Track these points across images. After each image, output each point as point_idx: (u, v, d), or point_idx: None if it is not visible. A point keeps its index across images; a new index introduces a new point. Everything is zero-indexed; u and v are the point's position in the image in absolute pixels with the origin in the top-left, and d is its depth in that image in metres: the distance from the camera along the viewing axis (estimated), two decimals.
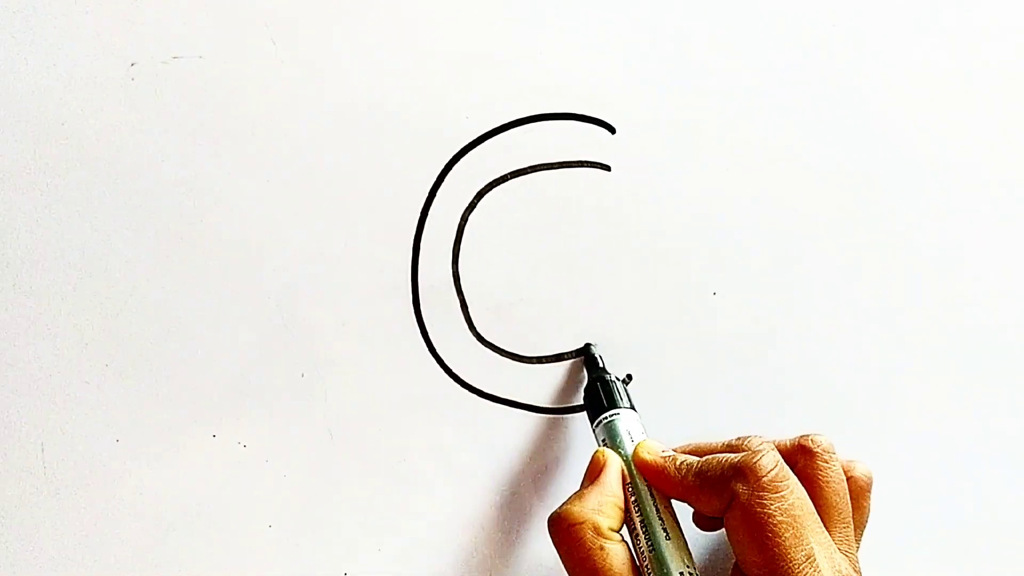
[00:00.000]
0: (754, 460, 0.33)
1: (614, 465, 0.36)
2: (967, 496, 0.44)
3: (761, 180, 0.43)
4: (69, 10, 0.39)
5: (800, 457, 0.36)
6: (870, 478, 0.38)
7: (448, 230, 0.41)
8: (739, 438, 0.37)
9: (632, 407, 0.39)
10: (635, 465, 0.36)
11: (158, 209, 0.39)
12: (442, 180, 0.41)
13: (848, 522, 0.36)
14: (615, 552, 0.34)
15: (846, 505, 0.36)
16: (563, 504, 0.35)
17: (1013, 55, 0.45)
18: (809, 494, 0.35)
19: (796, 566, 0.32)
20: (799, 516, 0.33)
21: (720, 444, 0.38)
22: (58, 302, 0.39)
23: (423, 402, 0.41)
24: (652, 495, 0.36)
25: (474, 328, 0.41)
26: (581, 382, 0.42)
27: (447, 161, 0.41)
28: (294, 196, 0.40)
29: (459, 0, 0.41)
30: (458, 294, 0.41)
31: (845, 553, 0.35)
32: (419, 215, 0.41)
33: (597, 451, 0.37)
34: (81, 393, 0.39)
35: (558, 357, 0.42)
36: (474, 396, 0.41)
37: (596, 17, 0.42)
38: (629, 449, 0.37)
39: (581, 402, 0.42)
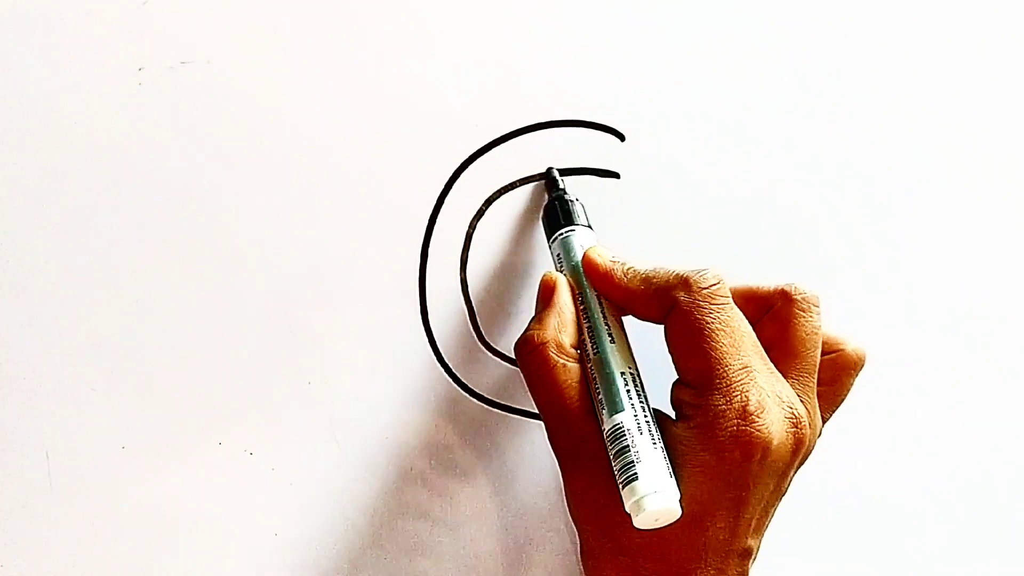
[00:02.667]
0: (698, 272, 0.34)
1: (564, 284, 0.37)
2: (967, 496, 0.44)
3: (771, 188, 0.43)
4: (77, 15, 0.39)
5: (778, 300, 0.36)
6: (861, 357, 0.38)
7: (456, 237, 0.41)
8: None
9: (589, 226, 0.39)
10: (583, 267, 0.37)
11: (165, 214, 0.39)
12: (450, 187, 0.41)
13: (809, 375, 0.36)
14: (574, 368, 0.35)
15: (812, 359, 0.36)
16: (525, 330, 0.36)
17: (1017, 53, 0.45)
18: (776, 338, 0.36)
19: (732, 372, 0.33)
20: (736, 329, 0.33)
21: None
22: (64, 308, 0.39)
23: (431, 410, 0.41)
24: (600, 303, 0.36)
25: (482, 336, 0.41)
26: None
27: (456, 168, 0.41)
28: (302, 202, 0.40)
29: (468, 7, 0.41)
30: (466, 301, 0.41)
31: (799, 395, 0.35)
32: (427, 222, 0.41)
33: (545, 274, 0.37)
34: (87, 400, 0.39)
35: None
36: (482, 404, 0.41)
37: (605, 24, 0.42)
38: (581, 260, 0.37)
39: None
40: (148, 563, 0.39)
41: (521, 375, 0.36)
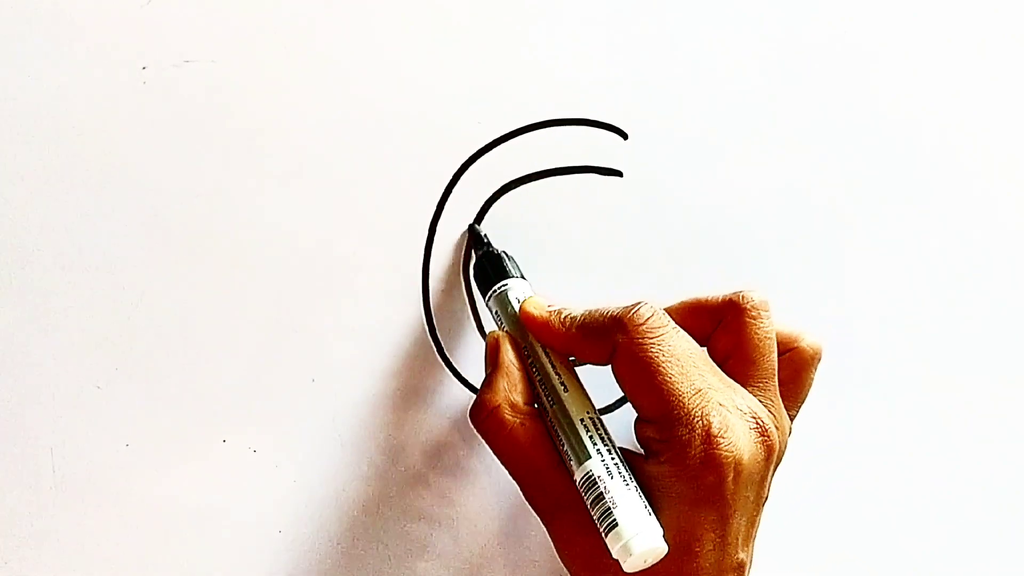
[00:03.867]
0: (631, 310, 0.34)
1: (506, 341, 0.37)
2: (967, 497, 0.44)
3: (774, 186, 0.43)
4: (80, 14, 0.39)
5: (728, 311, 0.36)
6: (817, 351, 0.38)
7: (460, 235, 0.41)
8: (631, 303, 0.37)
9: (522, 277, 0.39)
10: (522, 321, 0.37)
11: (169, 212, 0.39)
12: (453, 185, 0.41)
13: (769, 379, 0.36)
14: (534, 425, 0.35)
15: (770, 363, 0.36)
16: (476, 396, 0.36)
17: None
18: (731, 348, 0.36)
19: (687, 399, 0.32)
20: (682, 356, 0.33)
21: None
22: (68, 306, 0.39)
23: (434, 407, 0.41)
24: (546, 353, 0.36)
25: (486, 334, 0.41)
26: (592, 389, 0.41)
27: (458, 166, 0.41)
28: (305, 200, 0.40)
29: (470, 5, 0.41)
30: (469, 300, 0.41)
31: (761, 399, 0.35)
32: (430, 220, 0.41)
33: (488, 335, 0.37)
34: (91, 397, 0.39)
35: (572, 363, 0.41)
36: None
37: (608, 22, 0.42)
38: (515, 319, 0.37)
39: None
40: (152, 560, 0.39)
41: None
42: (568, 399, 0.35)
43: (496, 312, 0.38)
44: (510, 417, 0.35)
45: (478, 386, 0.41)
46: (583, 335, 0.35)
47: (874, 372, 0.44)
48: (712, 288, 0.42)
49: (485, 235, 0.40)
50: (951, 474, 0.44)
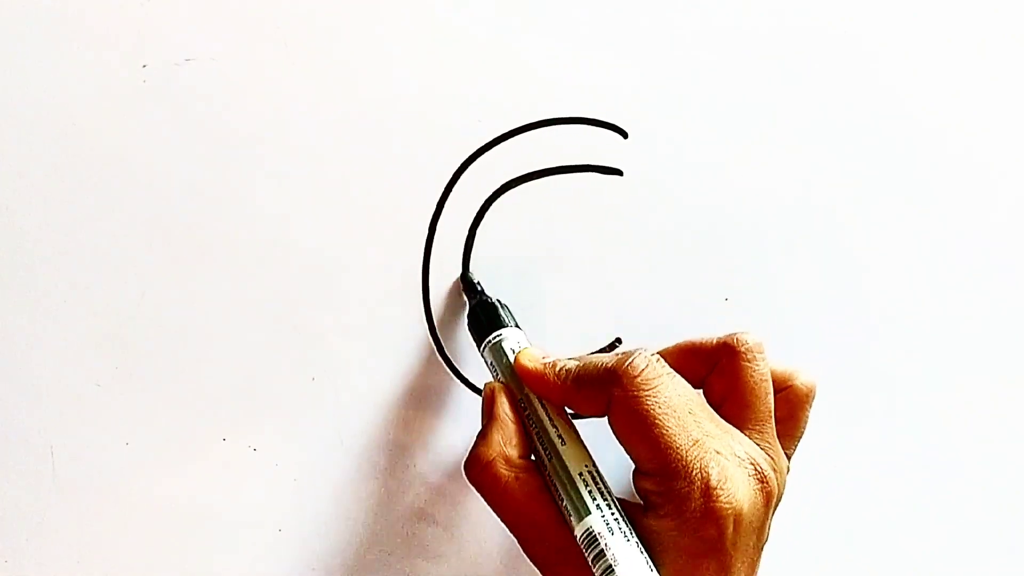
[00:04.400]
0: (626, 362, 0.33)
1: (502, 394, 0.36)
2: (967, 497, 0.44)
3: (774, 185, 0.43)
4: (81, 12, 0.39)
5: (723, 354, 0.36)
6: (811, 388, 0.37)
7: (459, 234, 0.41)
8: (623, 353, 0.36)
9: (517, 326, 0.39)
10: (518, 373, 0.36)
11: (169, 211, 0.39)
12: (454, 184, 0.41)
13: (765, 421, 0.36)
14: (529, 479, 0.35)
15: (766, 406, 0.36)
16: (471, 448, 0.35)
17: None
18: (728, 391, 0.36)
19: (684, 452, 0.32)
20: (678, 407, 0.33)
21: (603, 355, 0.37)
22: (68, 304, 0.39)
23: (434, 406, 0.41)
24: (543, 405, 0.36)
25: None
26: None
27: (459, 165, 0.41)
28: (305, 199, 0.40)
29: (471, 3, 0.41)
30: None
31: (758, 443, 0.35)
32: (431, 218, 0.41)
33: (485, 386, 0.37)
34: (91, 396, 0.39)
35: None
36: None
37: (609, 21, 0.42)
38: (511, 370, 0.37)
39: None
40: (152, 558, 0.39)
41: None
42: (566, 452, 0.35)
43: (491, 363, 0.38)
44: (505, 471, 0.35)
45: (479, 385, 0.41)
46: (578, 388, 0.35)
47: (881, 376, 0.44)
48: (710, 287, 0.42)
49: (478, 283, 0.40)
50: (947, 486, 0.44)
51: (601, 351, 0.42)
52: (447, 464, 0.41)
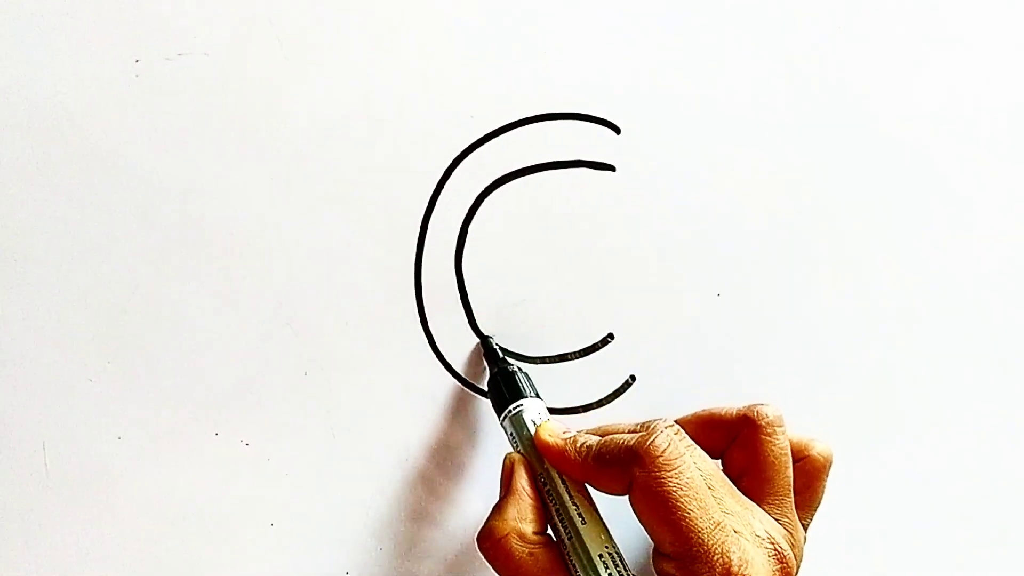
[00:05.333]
0: (648, 442, 0.33)
1: (521, 466, 0.36)
2: (966, 498, 0.44)
3: (765, 181, 0.43)
4: (74, 6, 0.39)
5: (743, 427, 0.36)
6: (828, 459, 0.38)
7: (452, 230, 0.41)
8: (643, 423, 0.36)
9: (537, 395, 0.39)
10: (538, 448, 0.36)
11: (161, 206, 0.39)
12: (446, 180, 0.41)
13: (784, 495, 0.36)
14: (543, 555, 0.34)
15: (785, 480, 0.36)
16: (486, 520, 0.35)
17: (1017, 56, 0.45)
18: (747, 464, 0.36)
19: (706, 536, 0.32)
20: (699, 488, 0.33)
21: (625, 427, 0.37)
22: (61, 299, 0.39)
23: (426, 402, 0.41)
24: (563, 481, 0.36)
25: (477, 328, 0.41)
26: (584, 381, 0.42)
27: (451, 161, 0.41)
28: (298, 194, 0.40)
29: (463, 0, 0.41)
30: (461, 294, 0.41)
31: (777, 518, 0.35)
32: (423, 214, 0.41)
33: (505, 457, 0.37)
34: (83, 390, 0.39)
35: (561, 357, 0.42)
36: (477, 396, 0.41)
37: (601, 17, 0.42)
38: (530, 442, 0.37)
39: (581, 403, 0.42)
40: (144, 552, 0.39)
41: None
42: (586, 532, 0.34)
43: (511, 433, 0.38)
44: (518, 547, 0.34)
45: (470, 379, 0.41)
46: (599, 466, 0.34)
47: (873, 372, 0.44)
48: (702, 282, 0.42)
49: (499, 347, 0.40)
50: (955, 478, 0.44)
51: (593, 347, 0.42)
52: (440, 459, 0.41)
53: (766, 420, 0.36)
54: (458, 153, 0.41)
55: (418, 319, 0.41)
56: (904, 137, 0.44)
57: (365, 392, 0.40)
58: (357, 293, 0.40)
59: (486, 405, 0.41)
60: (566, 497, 0.35)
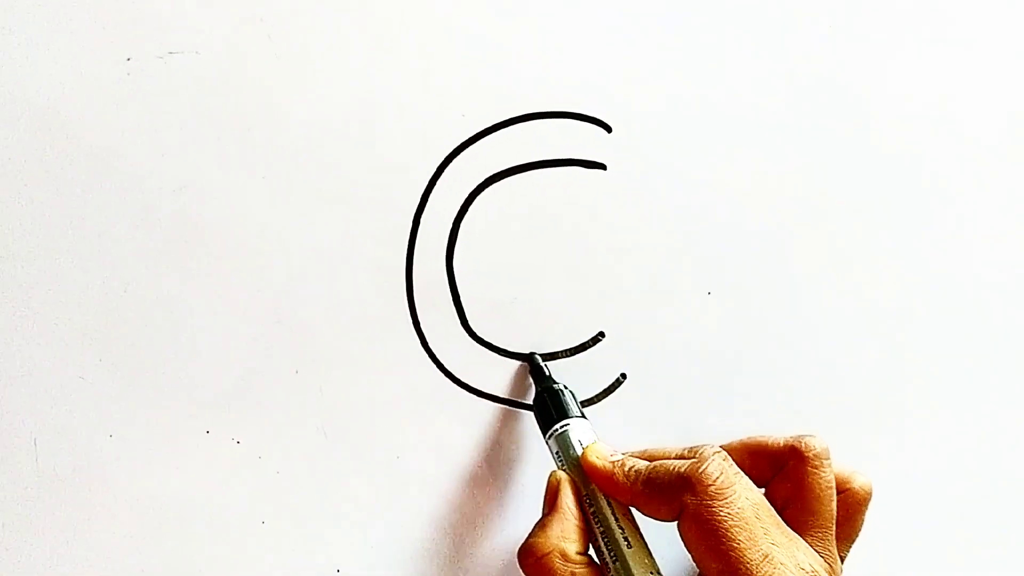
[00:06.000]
0: (700, 469, 0.33)
1: (567, 486, 0.36)
2: (965, 498, 0.44)
3: (757, 180, 0.43)
4: (65, 5, 0.39)
5: (790, 458, 0.36)
6: (868, 492, 0.38)
7: (443, 228, 0.41)
8: (691, 448, 0.36)
9: (583, 415, 0.39)
10: (585, 470, 0.36)
11: (153, 204, 0.39)
12: (437, 178, 0.41)
13: (827, 528, 0.36)
14: (585, 575, 0.34)
15: (829, 512, 0.36)
16: (528, 536, 0.35)
17: (1013, 56, 0.45)
18: (792, 496, 0.36)
19: (754, 566, 0.32)
20: (750, 518, 0.33)
21: (673, 451, 0.37)
22: (52, 297, 0.39)
23: (417, 399, 0.41)
24: (610, 504, 0.36)
25: (468, 326, 0.41)
26: (576, 379, 0.42)
27: (442, 159, 0.41)
28: (289, 192, 0.40)
29: None
30: (452, 292, 0.41)
31: (819, 551, 0.35)
32: (414, 212, 0.41)
33: (551, 475, 0.37)
34: (75, 388, 0.39)
35: (552, 355, 0.42)
36: (468, 394, 0.41)
37: (593, 16, 0.42)
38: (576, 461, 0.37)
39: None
40: (135, 549, 0.39)
41: None
42: (631, 556, 0.34)
43: (556, 452, 0.38)
44: (560, 566, 0.34)
45: (461, 378, 0.41)
46: (649, 492, 0.34)
47: (863, 370, 0.44)
48: (693, 281, 0.42)
49: (546, 366, 0.41)
50: (946, 475, 0.44)
51: (583, 345, 0.42)
52: (431, 457, 0.41)
53: (814, 452, 0.36)
54: (450, 151, 0.41)
55: (409, 317, 0.41)
56: (896, 134, 0.44)
57: (356, 390, 0.41)
58: (348, 291, 0.41)
59: (475, 402, 0.41)
60: (612, 520, 0.35)
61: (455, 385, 0.41)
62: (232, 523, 0.40)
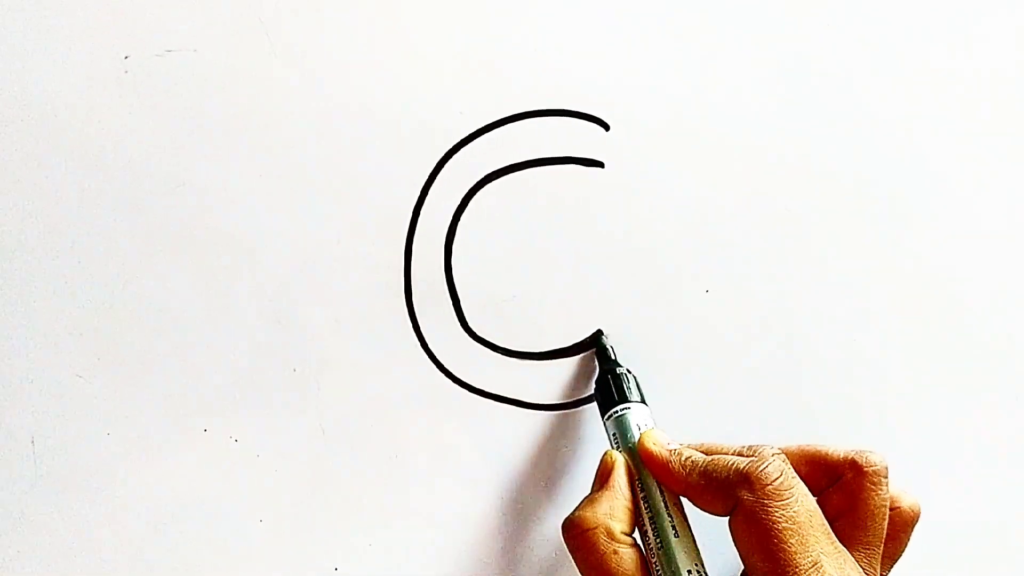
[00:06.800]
0: (760, 467, 0.33)
1: (623, 467, 0.36)
2: (960, 493, 0.44)
3: (754, 177, 0.43)
4: (63, 3, 0.39)
5: (849, 471, 0.36)
6: (917, 512, 0.37)
7: (441, 226, 0.41)
8: (750, 447, 0.36)
9: (643, 400, 0.39)
10: (641, 456, 0.36)
11: (150, 202, 0.39)
12: (435, 176, 0.41)
13: (876, 545, 0.35)
14: (628, 556, 0.34)
15: (880, 530, 0.36)
16: (576, 509, 0.35)
17: (1013, 54, 0.45)
18: (846, 509, 0.36)
19: (802, 571, 0.32)
20: (804, 524, 0.33)
21: (730, 448, 0.37)
22: (50, 295, 0.39)
23: (415, 398, 0.41)
24: (661, 492, 0.36)
25: (466, 324, 0.41)
26: (573, 378, 0.42)
27: (440, 157, 0.41)
28: (287, 191, 0.40)
29: None
30: (450, 290, 0.41)
31: (865, 568, 0.35)
32: (412, 211, 0.41)
33: (606, 453, 0.37)
34: (73, 386, 0.39)
35: (550, 354, 0.42)
36: (466, 392, 0.41)
37: (591, 14, 0.42)
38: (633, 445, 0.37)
39: (571, 399, 0.42)
40: (133, 547, 0.39)
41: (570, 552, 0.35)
42: (677, 546, 0.34)
43: (613, 433, 0.38)
44: (604, 543, 0.34)
45: (459, 376, 0.41)
46: (705, 484, 0.34)
47: (860, 366, 0.44)
48: (690, 279, 0.42)
49: (612, 348, 0.41)
50: (937, 471, 0.44)
51: (583, 343, 0.42)
52: (430, 454, 0.41)
53: (873, 469, 0.36)
54: (447, 149, 0.41)
55: (407, 315, 0.41)
56: (898, 134, 0.44)
57: (354, 388, 0.41)
58: (346, 289, 0.41)
59: (473, 400, 0.41)
60: (662, 507, 0.35)
61: (452, 382, 0.41)
62: (230, 521, 0.40)
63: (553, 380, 0.42)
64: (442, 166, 0.41)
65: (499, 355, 0.41)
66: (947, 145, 0.44)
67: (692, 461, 0.35)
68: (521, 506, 0.42)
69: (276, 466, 0.40)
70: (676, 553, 0.34)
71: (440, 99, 0.41)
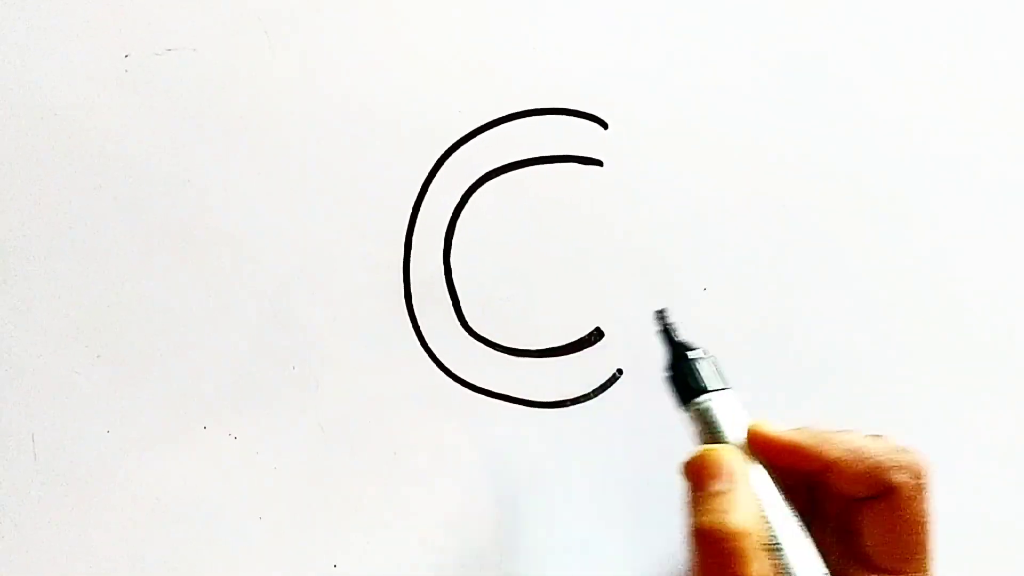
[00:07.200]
0: (920, 457, 0.31)
1: (741, 460, 0.32)
2: (960, 493, 0.44)
3: (752, 176, 0.43)
4: (63, 2, 0.39)
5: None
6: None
7: (440, 224, 0.41)
8: (874, 435, 0.33)
9: (725, 384, 0.35)
10: (752, 443, 0.32)
11: (150, 201, 0.40)
12: (434, 174, 0.41)
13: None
14: (766, 564, 0.30)
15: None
16: (712, 514, 0.30)
17: (1012, 53, 0.45)
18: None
19: (928, 564, 0.31)
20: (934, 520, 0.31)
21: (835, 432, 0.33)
22: (50, 293, 0.39)
23: (414, 396, 0.41)
24: (782, 491, 0.32)
25: (465, 322, 0.41)
26: (572, 375, 0.42)
27: (439, 155, 0.41)
28: (286, 189, 0.40)
29: None
30: (449, 288, 0.41)
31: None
32: (411, 209, 0.41)
33: (707, 450, 0.32)
34: (73, 384, 0.39)
35: (549, 351, 0.42)
36: (465, 390, 0.41)
37: (589, 12, 0.42)
38: (732, 437, 0.33)
39: (569, 396, 0.42)
40: (132, 544, 0.39)
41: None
42: (810, 548, 0.31)
43: (705, 425, 0.34)
44: (754, 552, 0.29)
45: (458, 373, 0.41)
46: (853, 460, 0.31)
47: (858, 364, 0.44)
48: (688, 277, 0.42)
49: (676, 331, 0.37)
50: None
51: (581, 340, 0.42)
52: (429, 451, 0.41)
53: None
54: (446, 148, 0.41)
55: (406, 313, 0.41)
56: (897, 133, 0.44)
57: (353, 386, 0.41)
58: (345, 287, 0.41)
59: (472, 398, 0.41)
60: (788, 504, 0.31)
61: (451, 380, 0.41)
62: (229, 518, 0.40)
63: (552, 377, 0.42)
64: (441, 165, 0.41)
65: (498, 353, 0.41)
66: (947, 145, 0.44)
67: (831, 439, 0.31)
68: (521, 504, 0.42)
69: (275, 464, 0.40)
70: (810, 554, 0.31)
71: (439, 98, 0.41)
